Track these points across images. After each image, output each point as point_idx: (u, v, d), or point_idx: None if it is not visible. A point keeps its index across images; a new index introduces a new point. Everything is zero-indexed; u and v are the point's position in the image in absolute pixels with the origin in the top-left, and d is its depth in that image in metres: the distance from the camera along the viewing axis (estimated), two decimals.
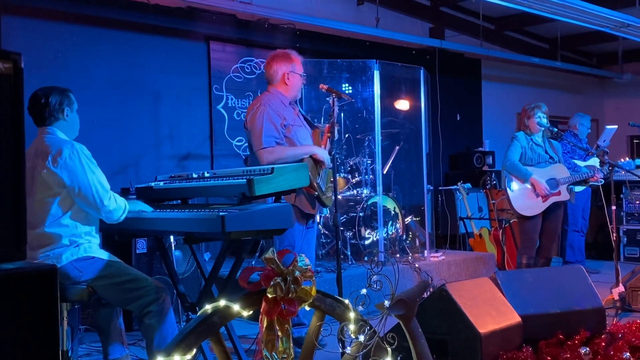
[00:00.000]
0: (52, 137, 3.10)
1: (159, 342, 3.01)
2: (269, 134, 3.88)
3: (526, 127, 5.42)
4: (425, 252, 6.30)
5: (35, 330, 1.67)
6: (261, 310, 2.04)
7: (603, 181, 5.86)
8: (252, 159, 4.06)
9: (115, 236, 3.46)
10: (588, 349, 3.43)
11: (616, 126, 7.19)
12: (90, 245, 3.11)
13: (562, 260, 6.85)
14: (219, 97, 7.02)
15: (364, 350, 2.20)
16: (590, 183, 5.93)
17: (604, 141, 7.03)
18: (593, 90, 12.14)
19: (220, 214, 2.60)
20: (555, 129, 5.47)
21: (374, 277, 2.19)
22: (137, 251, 4.72)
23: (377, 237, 6.03)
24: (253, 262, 5.70)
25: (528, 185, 5.25)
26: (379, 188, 6.10)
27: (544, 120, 5.35)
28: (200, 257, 3.40)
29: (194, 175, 3.24)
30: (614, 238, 5.12)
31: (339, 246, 3.77)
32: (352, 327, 2.20)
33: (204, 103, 6.92)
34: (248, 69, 7.27)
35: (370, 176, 6.30)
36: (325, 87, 4.05)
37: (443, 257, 6.31)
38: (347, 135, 6.33)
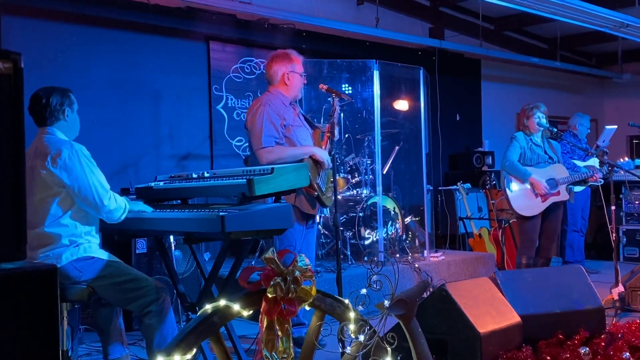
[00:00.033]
0: (52, 138, 3.10)
1: (159, 342, 3.02)
2: (268, 134, 3.88)
3: (525, 127, 5.42)
4: (425, 252, 6.30)
5: (35, 330, 1.67)
6: (261, 310, 2.04)
7: (602, 181, 5.87)
8: (252, 159, 4.06)
9: (115, 236, 3.46)
10: (588, 349, 3.43)
11: (616, 126, 7.20)
12: (90, 245, 3.11)
13: (561, 260, 6.86)
14: (218, 97, 7.02)
15: (364, 350, 2.20)
16: (590, 183, 5.93)
17: (604, 141, 7.04)
18: (592, 91, 12.15)
19: (220, 214, 2.60)
20: (555, 129, 5.47)
21: (374, 277, 2.20)
22: (137, 251, 4.72)
23: (377, 237, 6.03)
24: (253, 262, 5.70)
25: (527, 186, 5.25)
26: (379, 188, 6.10)
27: (543, 121, 5.36)
28: (200, 257, 3.40)
29: (194, 176, 3.24)
30: (614, 238, 5.12)
31: (339, 246, 3.77)
32: (352, 327, 2.20)
33: (203, 103, 6.92)
34: (248, 69, 7.27)
35: (370, 176, 6.30)
36: (325, 87, 4.06)
37: (443, 257, 6.32)
38: (347, 135, 6.33)
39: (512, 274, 4.11)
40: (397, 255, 6.12)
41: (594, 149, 6.69)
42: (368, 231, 6.06)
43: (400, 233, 6.38)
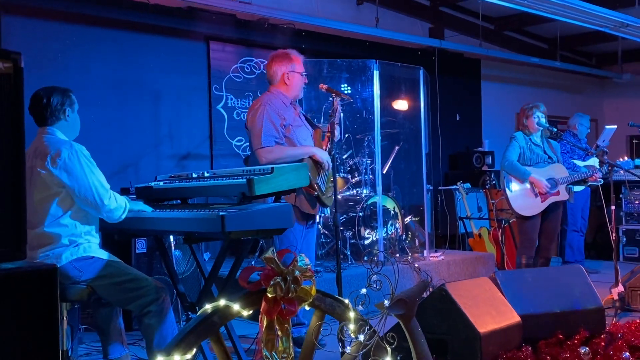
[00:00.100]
0: (51, 138, 3.10)
1: (158, 342, 3.02)
2: (268, 133, 3.89)
3: (525, 127, 5.42)
4: (425, 252, 6.30)
5: (35, 329, 1.67)
6: (261, 309, 2.04)
7: (602, 181, 5.87)
8: (252, 158, 4.06)
9: (115, 236, 3.46)
10: (587, 348, 3.43)
11: (615, 126, 7.20)
12: (90, 245, 3.11)
13: (561, 260, 6.87)
14: (218, 97, 7.02)
15: (364, 350, 2.20)
16: (590, 183, 5.93)
17: (604, 141, 7.04)
18: (592, 90, 12.15)
19: (220, 213, 2.60)
20: (555, 129, 5.47)
21: (374, 277, 2.20)
22: (137, 251, 4.72)
23: (377, 237, 6.03)
24: (253, 262, 5.71)
25: (527, 185, 5.25)
26: (379, 188, 6.11)
27: (543, 120, 5.36)
28: (200, 257, 3.40)
29: (194, 175, 3.24)
30: (613, 238, 5.13)
31: (339, 246, 3.77)
32: (351, 326, 2.20)
33: (203, 103, 6.92)
34: (248, 69, 7.27)
35: (370, 176, 6.30)
36: (325, 87, 4.06)
37: (442, 257, 6.32)
38: (347, 135, 6.33)
39: (512, 274, 4.12)
40: (397, 255, 6.12)
41: (594, 148, 6.69)
42: (368, 231, 6.06)
43: (400, 233, 6.38)
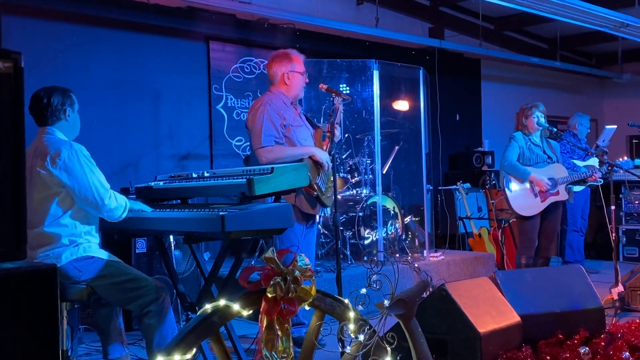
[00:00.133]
0: (51, 138, 3.10)
1: (158, 342, 3.02)
2: (268, 133, 3.89)
3: (524, 127, 5.42)
4: (425, 252, 6.30)
5: (35, 329, 1.67)
6: (261, 309, 2.04)
7: (602, 181, 5.87)
8: (252, 158, 4.07)
9: (114, 236, 3.47)
10: (587, 348, 3.43)
11: (615, 126, 7.20)
12: (90, 245, 3.11)
13: (561, 260, 6.86)
14: (218, 97, 7.02)
15: (364, 350, 2.20)
16: (589, 183, 5.93)
17: (604, 141, 7.04)
18: (592, 90, 12.15)
19: (220, 213, 2.60)
20: (555, 129, 5.47)
21: (374, 277, 2.20)
22: (137, 251, 4.72)
23: (377, 236, 6.03)
24: (252, 262, 5.70)
25: (527, 185, 5.25)
26: (379, 188, 6.11)
27: (542, 120, 5.35)
28: (200, 257, 3.40)
29: (194, 175, 3.24)
30: (613, 238, 5.13)
31: (339, 246, 3.77)
32: (351, 326, 2.20)
33: (203, 103, 6.92)
34: (247, 68, 7.27)
35: (370, 176, 6.30)
36: (325, 86, 4.07)
37: (442, 257, 6.32)
38: (346, 135, 6.33)
39: (511, 274, 4.11)
40: (397, 255, 6.12)
41: (594, 148, 6.69)
42: (368, 231, 6.06)
43: (400, 233, 6.38)
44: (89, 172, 3.01)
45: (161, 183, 3.35)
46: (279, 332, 2.03)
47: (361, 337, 2.19)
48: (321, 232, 5.94)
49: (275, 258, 2.03)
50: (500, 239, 6.82)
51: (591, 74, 11.30)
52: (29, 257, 1.77)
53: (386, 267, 2.25)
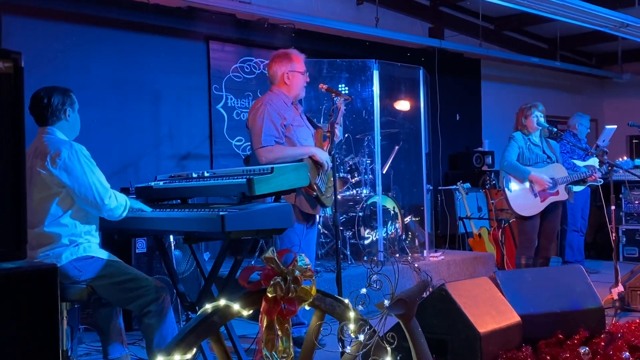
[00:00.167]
0: (51, 137, 3.10)
1: (158, 342, 3.02)
2: (268, 133, 3.90)
3: (523, 127, 5.42)
4: (425, 252, 6.30)
5: (35, 329, 1.67)
6: (261, 309, 2.04)
7: (602, 181, 5.87)
8: (253, 158, 4.07)
9: (114, 236, 3.47)
10: (587, 348, 3.43)
11: (615, 126, 7.19)
12: (90, 245, 3.11)
13: (561, 260, 6.86)
14: (218, 96, 7.02)
15: (364, 350, 2.20)
16: (589, 183, 5.93)
17: (604, 141, 7.04)
18: (592, 90, 12.15)
19: (220, 213, 2.60)
20: (555, 129, 5.47)
21: (374, 277, 2.20)
22: (137, 251, 4.73)
23: (377, 236, 6.03)
24: (252, 262, 5.70)
25: (526, 185, 5.25)
26: (379, 188, 6.11)
27: (542, 120, 5.35)
28: (200, 257, 3.40)
29: (194, 175, 3.24)
30: (613, 238, 5.13)
31: (339, 246, 3.77)
32: (352, 326, 2.20)
33: (203, 103, 6.92)
34: (247, 68, 7.27)
35: (370, 176, 6.30)
36: (325, 86, 4.07)
37: (442, 257, 6.31)
38: (346, 135, 6.33)
39: (511, 274, 4.11)
40: (397, 255, 6.12)
41: (594, 148, 6.69)
42: (368, 231, 6.06)
43: (400, 233, 6.38)
44: (89, 172, 3.01)
45: (161, 183, 3.35)
46: (279, 332, 2.03)
47: (361, 337, 2.19)
48: (321, 232, 5.94)
49: (276, 258, 2.03)
50: (500, 239, 6.82)
51: (591, 74, 11.30)
52: (29, 257, 1.77)
53: (386, 267, 2.25)
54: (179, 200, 3.39)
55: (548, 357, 3.39)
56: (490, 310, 3.44)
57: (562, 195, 5.33)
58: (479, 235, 7.34)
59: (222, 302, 2.04)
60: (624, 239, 7.77)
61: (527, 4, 6.88)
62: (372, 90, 6.10)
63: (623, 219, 7.80)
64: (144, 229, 3.16)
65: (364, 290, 2.20)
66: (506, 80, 10.52)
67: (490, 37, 9.60)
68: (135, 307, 3.07)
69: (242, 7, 6.74)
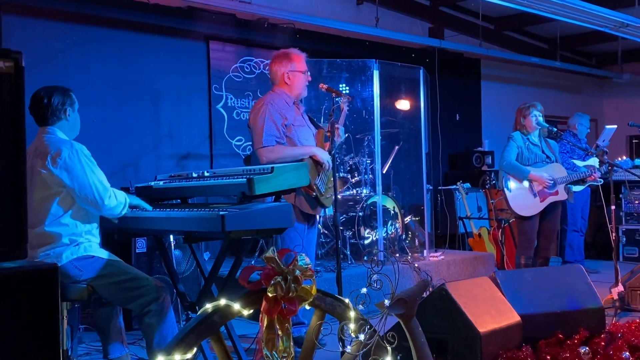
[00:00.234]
0: (52, 137, 3.10)
1: (159, 341, 3.02)
2: (269, 132, 3.90)
3: (522, 127, 5.41)
4: (425, 251, 6.30)
5: (35, 329, 1.67)
6: (261, 309, 2.04)
7: (602, 181, 5.87)
8: (254, 158, 4.07)
9: (114, 235, 3.47)
10: (587, 348, 3.43)
11: (615, 126, 7.19)
12: (90, 245, 3.11)
13: (561, 260, 6.86)
14: (218, 96, 7.02)
15: (364, 350, 2.20)
16: (589, 183, 5.93)
17: (604, 141, 7.04)
18: (592, 90, 12.15)
19: (221, 213, 2.60)
20: (555, 129, 5.47)
21: (374, 276, 2.20)
22: (137, 250, 4.73)
23: (377, 236, 6.03)
24: (252, 262, 5.70)
25: (525, 185, 5.25)
26: (379, 188, 6.11)
27: (541, 119, 5.35)
28: (200, 257, 3.40)
29: (194, 175, 3.24)
30: (613, 238, 5.13)
31: (339, 246, 3.77)
32: (352, 326, 2.20)
33: (203, 103, 6.92)
34: (247, 68, 7.27)
35: (370, 176, 6.30)
36: (325, 86, 4.07)
37: (442, 257, 6.31)
38: (347, 135, 6.33)
39: (512, 274, 4.11)
40: (397, 255, 6.12)
41: (594, 148, 6.69)
42: (368, 231, 6.06)
43: (400, 233, 6.38)
44: (89, 172, 3.01)
45: (161, 183, 3.35)
46: (280, 332, 2.03)
47: (361, 337, 2.19)
48: (321, 232, 5.94)
49: (276, 257, 2.03)
50: (500, 238, 6.82)
51: (591, 74, 11.30)
52: (29, 257, 1.77)
53: (386, 267, 2.25)
54: (179, 200, 3.39)
55: (548, 357, 3.39)
56: (490, 310, 3.44)
57: (562, 195, 5.33)
58: (479, 235, 7.34)
59: (223, 301, 2.04)
60: (624, 239, 7.77)
61: (527, 4, 6.88)
62: (372, 90, 6.10)
63: (623, 218, 7.80)
64: (144, 228, 3.17)
65: (364, 290, 2.20)
66: (506, 80, 10.52)
67: (490, 37, 9.60)
68: (135, 306, 3.07)
69: (242, 7, 6.74)
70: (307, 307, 2.15)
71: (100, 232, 3.24)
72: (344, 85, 6.79)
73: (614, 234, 5.14)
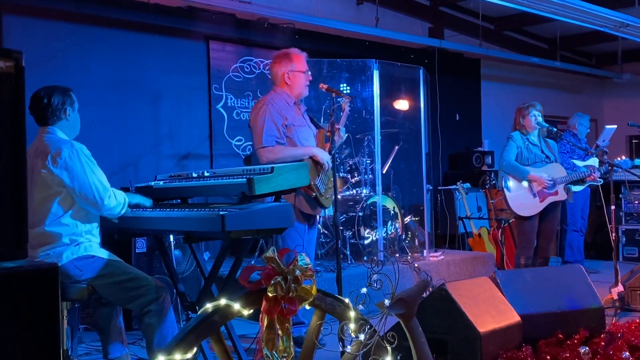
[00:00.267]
0: (52, 137, 3.10)
1: (159, 341, 3.02)
2: (269, 133, 3.90)
3: (522, 127, 5.41)
4: (425, 251, 6.30)
5: (36, 329, 1.67)
6: (261, 309, 2.04)
7: (602, 181, 5.87)
8: (254, 158, 4.08)
9: (114, 235, 3.47)
10: (587, 348, 3.43)
11: (615, 126, 7.19)
12: (91, 244, 3.11)
13: (561, 260, 6.87)
14: (218, 96, 7.02)
15: (364, 349, 2.20)
16: (589, 182, 5.93)
17: (604, 141, 7.04)
18: (592, 90, 12.15)
19: (221, 213, 2.60)
20: (555, 129, 5.47)
21: (374, 276, 2.20)
22: (137, 250, 4.73)
23: (377, 236, 6.03)
24: (252, 262, 5.70)
25: (525, 185, 5.25)
26: (379, 188, 6.11)
27: (540, 119, 5.35)
28: (200, 257, 3.40)
29: (194, 175, 3.24)
30: (613, 238, 5.13)
31: (339, 246, 3.77)
32: (352, 326, 2.20)
33: (203, 103, 6.92)
34: (247, 68, 7.27)
35: (370, 176, 6.30)
36: (325, 86, 4.07)
37: (442, 257, 6.32)
38: (347, 135, 6.33)
39: (511, 274, 4.12)
40: (397, 255, 6.12)
41: (594, 148, 6.69)
42: (368, 231, 6.06)
43: (400, 233, 6.38)
44: (89, 172, 3.01)
45: (161, 182, 3.35)
46: (280, 332, 2.03)
47: (362, 337, 2.19)
48: (321, 232, 5.94)
49: (276, 257, 2.03)
50: (500, 238, 6.82)
51: (591, 74, 11.30)
52: (29, 257, 1.77)
53: (386, 267, 2.25)
54: (179, 200, 3.39)
55: (548, 357, 3.39)
56: (490, 310, 3.44)
57: (561, 195, 5.32)
58: (479, 235, 7.34)
59: (223, 301, 2.04)
60: (624, 239, 7.77)
61: (527, 4, 6.88)
62: (372, 90, 6.10)
63: (623, 218, 7.80)
64: (144, 228, 3.17)
65: (364, 290, 2.20)
66: (506, 80, 10.52)
67: (490, 37, 9.60)
68: (135, 306, 3.07)
69: (242, 7, 6.74)
70: (307, 307, 2.15)
71: (100, 232, 3.24)
72: (344, 85, 6.79)
73: (613, 234, 5.14)
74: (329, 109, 4.31)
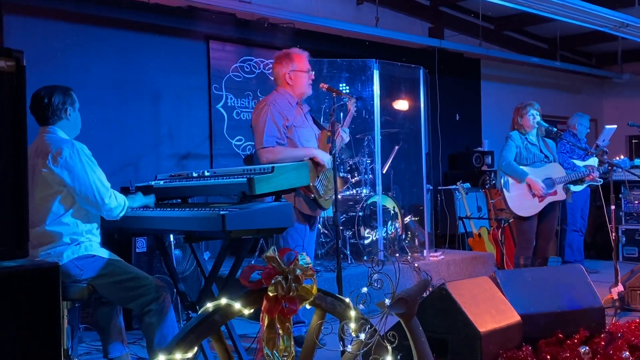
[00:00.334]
0: (53, 136, 3.10)
1: (159, 341, 3.02)
2: (270, 133, 3.90)
3: (520, 126, 5.41)
4: (425, 251, 6.30)
5: (36, 328, 1.67)
6: (262, 308, 2.04)
7: (601, 181, 5.87)
8: (255, 158, 4.08)
9: (115, 235, 3.47)
10: (587, 348, 3.43)
11: (615, 126, 7.20)
12: (91, 244, 3.11)
13: (560, 260, 6.87)
14: (218, 96, 7.02)
15: (365, 349, 2.20)
16: (588, 182, 5.93)
17: (603, 141, 7.04)
18: (592, 90, 12.15)
19: (221, 212, 2.60)
20: (555, 129, 5.47)
21: (375, 276, 2.20)
22: (137, 250, 4.73)
23: (377, 236, 6.03)
24: (252, 261, 5.71)
25: (524, 185, 5.25)
26: (379, 187, 6.11)
27: (539, 118, 5.35)
28: (200, 256, 3.40)
29: (194, 174, 3.24)
30: (613, 238, 5.13)
31: (339, 245, 3.77)
32: (352, 325, 2.21)
33: (203, 102, 6.92)
34: (247, 68, 7.27)
35: (370, 176, 6.30)
36: (326, 86, 4.08)
37: (442, 257, 6.32)
38: (349, 138, 6.32)
39: (512, 273, 4.12)
40: (397, 255, 6.12)
41: (594, 148, 6.69)
42: (368, 230, 6.06)
43: (400, 232, 6.38)
44: (89, 171, 3.01)
45: (161, 182, 3.35)
46: (280, 331, 2.04)
47: (362, 336, 2.20)
48: (321, 232, 5.94)
49: (277, 257, 2.03)
50: (499, 238, 6.82)
51: (591, 74, 11.31)
52: (30, 256, 1.77)
53: (386, 267, 2.25)
54: (179, 200, 3.39)
55: (548, 357, 3.40)
56: (490, 310, 3.44)
57: (560, 195, 5.32)
58: (479, 235, 7.35)
59: (223, 301, 2.04)
60: (624, 239, 7.77)
61: (527, 4, 6.88)
62: (372, 90, 6.10)
63: (623, 218, 7.80)
64: (145, 228, 3.17)
65: (364, 290, 2.21)
66: (506, 80, 10.52)
67: (490, 37, 9.60)
68: (135, 306, 3.07)
69: (242, 7, 6.74)
70: (308, 307, 2.15)
71: (100, 232, 3.24)
72: (344, 85, 6.79)
73: (613, 234, 5.14)
74: (329, 108, 4.31)
